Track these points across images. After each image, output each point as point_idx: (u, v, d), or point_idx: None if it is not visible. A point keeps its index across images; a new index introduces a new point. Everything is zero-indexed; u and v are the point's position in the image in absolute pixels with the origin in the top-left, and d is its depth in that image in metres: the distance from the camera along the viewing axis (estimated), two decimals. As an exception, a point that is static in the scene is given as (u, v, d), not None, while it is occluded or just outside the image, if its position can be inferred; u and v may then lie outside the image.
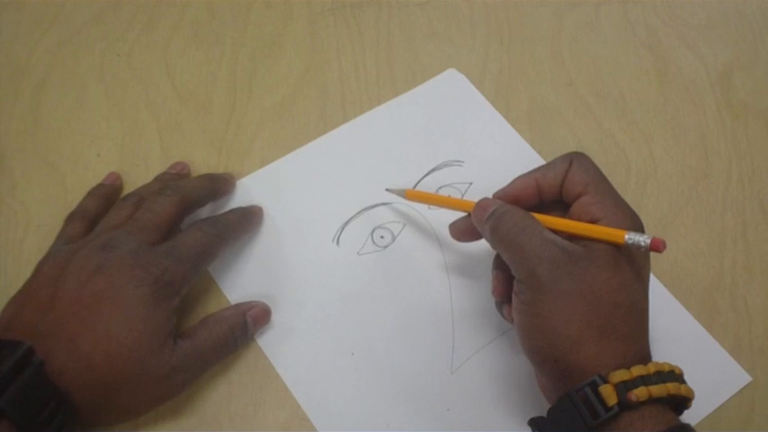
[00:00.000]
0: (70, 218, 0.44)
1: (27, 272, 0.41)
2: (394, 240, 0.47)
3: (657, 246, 0.35)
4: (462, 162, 0.51)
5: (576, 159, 0.39)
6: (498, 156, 0.51)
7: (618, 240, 0.36)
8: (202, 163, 0.50)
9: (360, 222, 0.48)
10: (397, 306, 0.45)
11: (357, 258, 0.47)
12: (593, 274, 0.35)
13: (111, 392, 0.37)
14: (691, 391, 0.35)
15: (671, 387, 0.34)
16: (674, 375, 0.35)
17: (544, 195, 0.40)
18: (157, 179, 0.47)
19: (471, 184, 0.50)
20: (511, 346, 0.44)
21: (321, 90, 0.54)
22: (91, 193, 0.47)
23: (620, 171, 0.51)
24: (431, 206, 0.48)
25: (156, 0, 0.57)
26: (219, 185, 0.47)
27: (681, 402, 0.35)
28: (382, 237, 0.47)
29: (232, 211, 0.46)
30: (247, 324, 0.43)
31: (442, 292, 0.46)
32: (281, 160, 0.50)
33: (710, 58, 0.57)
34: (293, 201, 0.49)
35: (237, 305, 0.44)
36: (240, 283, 0.45)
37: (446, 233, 0.44)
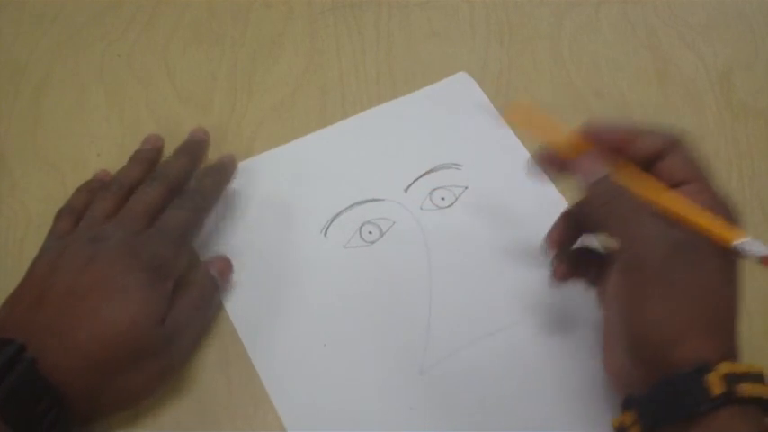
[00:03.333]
0: (59, 215, 0.45)
1: (27, 272, 0.41)
2: (381, 237, 0.48)
3: None
4: (461, 166, 0.50)
5: (680, 145, 0.37)
6: (497, 164, 0.51)
7: (728, 242, 0.34)
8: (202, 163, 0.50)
9: (350, 216, 0.48)
10: (374, 302, 0.45)
11: (342, 251, 0.47)
12: (706, 266, 0.34)
13: (108, 378, 0.37)
14: None
15: None
16: (763, 378, 0.34)
17: (623, 152, 0.38)
18: (134, 160, 0.47)
19: (466, 188, 0.50)
20: (483, 354, 0.44)
21: (321, 90, 0.54)
22: (79, 190, 0.47)
23: (620, 171, 0.51)
24: (430, 199, 0.48)
25: (156, 0, 0.57)
26: (197, 153, 0.48)
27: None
28: (370, 232, 0.48)
29: (205, 175, 0.46)
30: (215, 279, 0.44)
31: (421, 293, 0.46)
32: (280, 148, 0.51)
33: (710, 58, 0.57)
34: (288, 189, 0.49)
35: (202, 264, 0.44)
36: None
37: (434, 236, 0.46)
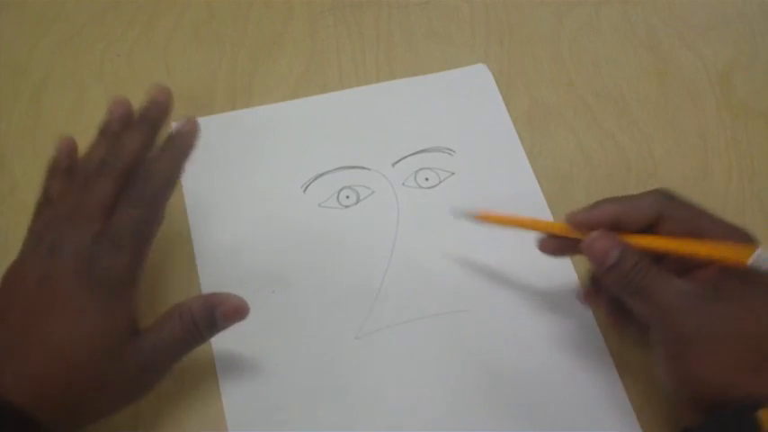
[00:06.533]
0: (37, 209, 0.41)
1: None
2: (357, 203, 0.48)
3: None
4: (453, 152, 0.51)
5: (669, 203, 0.38)
6: (490, 158, 0.51)
7: (745, 257, 0.35)
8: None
9: (333, 178, 0.49)
10: (332, 262, 0.46)
11: (316, 209, 0.48)
12: (732, 311, 0.35)
13: (73, 403, 0.36)
14: None
15: None
16: None
17: (621, 229, 0.39)
18: (103, 133, 0.42)
19: (453, 174, 0.50)
20: (421, 332, 0.44)
21: (321, 90, 0.54)
22: (51, 175, 0.42)
23: (620, 171, 0.51)
24: (414, 177, 0.49)
25: (156, 0, 0.57)
26: (156, 123, 0.41)
27: None
28: (347, 197, 0.48)
29: (162, 155, 0.39)
30: (216, 320, 0.38)
31: (379, 264, 0.46)
32: (282, 103, 0.52)
33: (710, 58, 0.57)
34: (280, 142, 0.51)
35: (209, 296, 0.39)
36: (204, 199, 0.48)
37: (408, 212, 0.46)
